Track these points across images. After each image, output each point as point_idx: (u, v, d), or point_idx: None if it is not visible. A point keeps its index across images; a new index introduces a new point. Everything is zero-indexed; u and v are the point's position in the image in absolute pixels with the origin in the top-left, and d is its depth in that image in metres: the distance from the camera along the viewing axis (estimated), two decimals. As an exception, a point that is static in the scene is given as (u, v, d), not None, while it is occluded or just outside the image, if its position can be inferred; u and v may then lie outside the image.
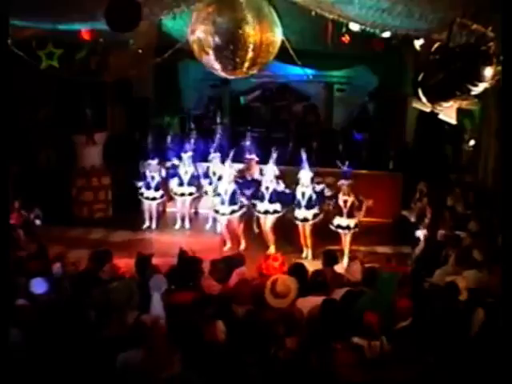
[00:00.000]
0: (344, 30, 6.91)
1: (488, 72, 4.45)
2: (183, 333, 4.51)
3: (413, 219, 8.64)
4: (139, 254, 6.27)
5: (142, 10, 4.95)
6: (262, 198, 8.77)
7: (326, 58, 10.29)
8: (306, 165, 8.62)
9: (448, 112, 5.87)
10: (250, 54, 5.26)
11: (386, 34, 6.74)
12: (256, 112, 13.45)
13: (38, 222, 8.47)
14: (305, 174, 8.60)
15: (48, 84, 9.66)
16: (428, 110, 5.69)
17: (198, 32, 5.32)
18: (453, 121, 6.17)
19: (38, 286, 5.32)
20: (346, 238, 8.56)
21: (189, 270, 5.94)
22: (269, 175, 8.74)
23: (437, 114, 5.95)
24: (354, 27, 6.46)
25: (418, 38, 6.50)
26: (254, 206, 8.90)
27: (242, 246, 8.98)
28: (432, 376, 4.10)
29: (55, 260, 6.21)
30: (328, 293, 5.42)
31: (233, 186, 8.88)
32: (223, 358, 4.20)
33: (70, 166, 10.63)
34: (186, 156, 9.78)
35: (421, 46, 6.73)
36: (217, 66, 5.44)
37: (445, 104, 5.32)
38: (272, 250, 8.63)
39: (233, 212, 8.90)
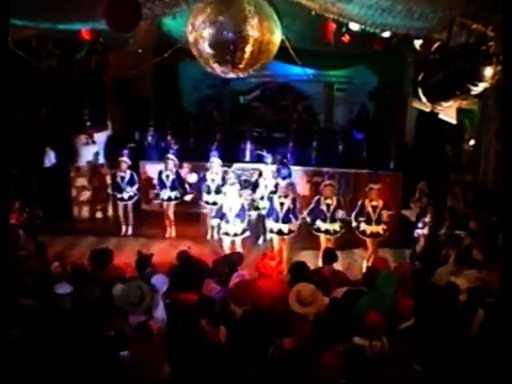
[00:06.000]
0: (344, 29, 6.91)
1: (488, 72, 4.45)
2: (185, 334, 4.52)
3: (413, 218, 8.63)
4: (140, 253, 6.27)
5: (141, 9, 4.95)
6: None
7: (326, 58, 10.28)
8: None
9: (448, 112, 5.88)
10: (250, 54, 5.25)
11: (386, 34, 6.74)
12: (256, 112, 13.43)
13: (37, 221, 8.46)
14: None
15: (48, 83, 9.64)
16: (428, 109, 5.68)
17: (198, 32, 5.30)
18: (453, 120, 6.18)
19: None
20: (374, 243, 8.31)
21: (189, 271, 5.94)
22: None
23: (437, 114, 5.94)
24: (354, 27, 6.46)
25: (417, 38, 6.50)
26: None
27: None
28: (432, 376, 4.10)
29: (54, 259, 6.20)
30: (327, 291, 5.41)
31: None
32: (223, 359, 4.21)
33: (69, 166, 10.64)
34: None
35: (421, 46, 6.73)
36: (216, 65, 5.43)
37: (445, 104, 5.31)
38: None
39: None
